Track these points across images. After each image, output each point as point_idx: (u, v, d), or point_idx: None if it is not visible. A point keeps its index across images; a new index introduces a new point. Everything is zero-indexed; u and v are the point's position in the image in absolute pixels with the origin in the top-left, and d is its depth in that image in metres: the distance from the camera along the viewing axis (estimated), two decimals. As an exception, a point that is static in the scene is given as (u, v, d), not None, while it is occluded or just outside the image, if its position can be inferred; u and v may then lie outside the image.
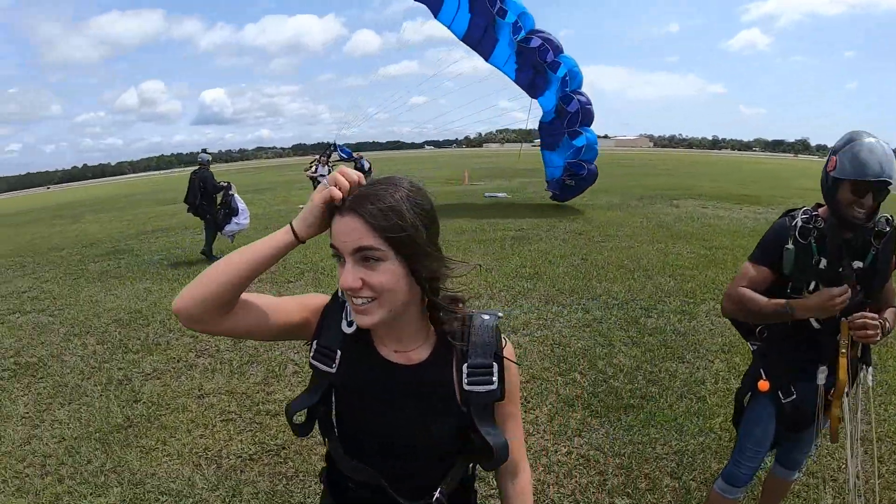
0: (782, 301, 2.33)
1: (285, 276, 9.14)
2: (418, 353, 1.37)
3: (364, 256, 1.19)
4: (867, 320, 2.22)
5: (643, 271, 8.77)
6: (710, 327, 6.22)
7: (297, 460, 3.96)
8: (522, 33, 14.41)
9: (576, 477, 3.70)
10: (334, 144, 16.68)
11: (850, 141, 2.21)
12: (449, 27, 15.07)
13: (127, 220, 20.28)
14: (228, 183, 11.73)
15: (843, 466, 3.65)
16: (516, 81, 15.48)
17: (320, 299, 1.42)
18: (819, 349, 2.40)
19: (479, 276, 8.53)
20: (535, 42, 14.31)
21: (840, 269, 2.26)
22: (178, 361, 5.79)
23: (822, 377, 2.43)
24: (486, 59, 15.31)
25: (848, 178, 2.17)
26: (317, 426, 1.44)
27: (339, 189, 1.19)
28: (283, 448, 4.12)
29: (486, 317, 1.41)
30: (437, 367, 1.36)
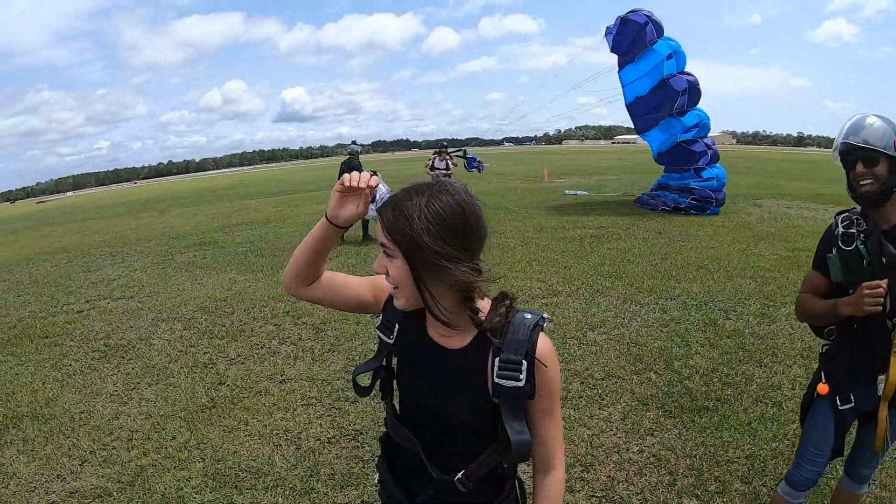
0: (830, 301, 2.32)
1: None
2: (459, 340, 1.48)
3: (385, 251, 1.41)
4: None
5: (723, 272, 8.55)
6: (790, 331, 6.03)
7: (374, 445, 4.04)
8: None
9: (646, 475, 3.68)
10: (464, 151, 17.12)
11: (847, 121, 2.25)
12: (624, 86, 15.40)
13: (212, 214, 21.01)
14: (375, 172, 12.48)
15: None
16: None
17: (385, 288, 1.58)
18: (877, 356, 2.33)
19: (558, 274, 8.53)
20: (681, 85, 14.09)
21: (882, 260, 2.20)
22: (262, 348, 6.01)
23: (881, 387, 2.35)
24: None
25: (836, 150, 2.25)
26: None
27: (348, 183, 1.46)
28: (361, 434, 4.23)
29: (528, 315, 1.45)
30: (473, 356, 1.46)
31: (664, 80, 14.10)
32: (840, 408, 2.43)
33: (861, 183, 2.22)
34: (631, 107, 15.70)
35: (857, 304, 2.16)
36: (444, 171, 14.44)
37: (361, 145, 13.90)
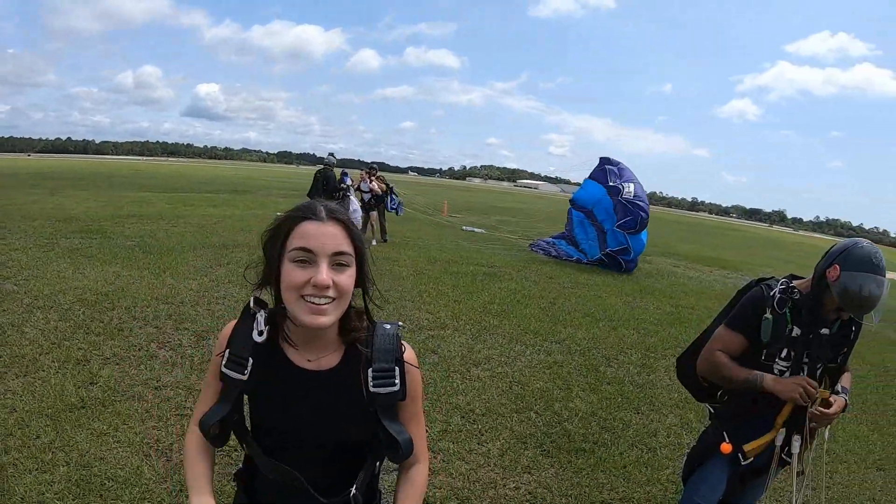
0: (754, 372, 2.46)
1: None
2: (329, 359, 1.51)
3: (338, 261, 1.38)
4: (823, 416, 2.42)
5: (608, 321, 8.90)
6: (668, 382, 6.33)
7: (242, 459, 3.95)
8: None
9: (520, 512, 3.76)
10: (391, 188, 16.39)
11: (858, 262, 2.31)
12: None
13: (104, 200, 20.01)
14: (348, 186, 13.64)
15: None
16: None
17: (225, 330, 1.55)
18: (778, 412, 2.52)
19: (447, 307, 8.60)
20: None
21: (811, 336, 2.40)
22: (140, 350, 5.76)
23: (780, 438, 2.55)
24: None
25: (844, 305, 2.32)
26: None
27: None
28: (235, 450, 4.09)
29: (388, 326, 1.54)
30: (346, 372, 1.50)
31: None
32: (743, 463, 2.60)
33: (834, 316, 2.46)
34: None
35: (787, 389, 2.36)
36: (366, 195, 14.46)
37: (335, 157, 14.37)
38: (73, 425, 4.21)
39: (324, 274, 1.35)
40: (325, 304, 1.38)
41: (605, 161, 15.46)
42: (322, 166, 13.54)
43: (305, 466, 1.49)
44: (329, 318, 1.39)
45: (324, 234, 1.37)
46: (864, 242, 2.38)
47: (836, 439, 5.36)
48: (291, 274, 1.37)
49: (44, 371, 5.05)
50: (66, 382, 4.86)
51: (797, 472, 2.64)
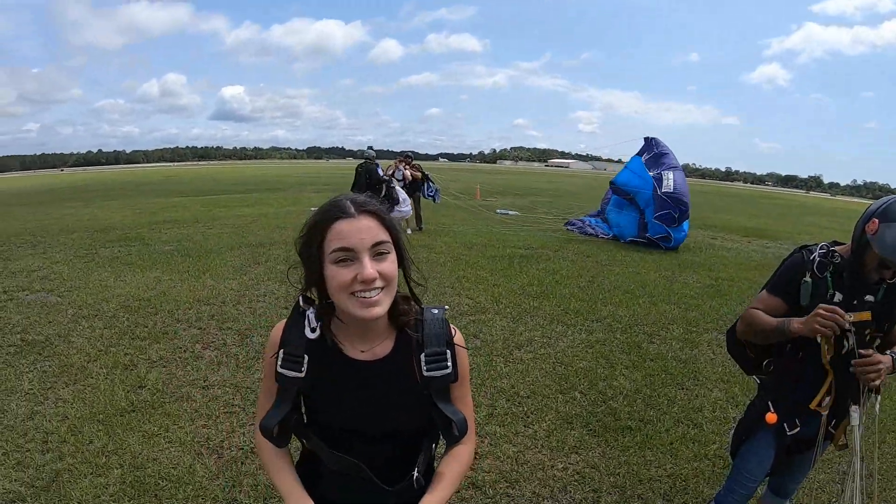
0: (780, 319, 2.40)
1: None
2: (382, 348, 1.52)
3: (378, 251, 1.39)
4: (870, 365, 2.27)
5: (648, 297, 8.80)
6: (711, 357, 6.26)
7: (298, 457, 3.99)
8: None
9: (570, 492, 3.74)
10: (428, 176, 16.15)
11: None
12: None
13: (139, 208, 20.39)
14: (390, 177, 13.67)
15: (834, 501, 3.70)
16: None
17: (276, 330, 1.56)
18: (840, 385, 2.44)
19: (486, 292, 8.59)
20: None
21: (854, 302, 2.33)
22: (185, 351, 5.85)
23: (854, 417, 2.47)
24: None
25: (884, 254, 2.22)
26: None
27: None
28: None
29: (436, 311, 1.57)
30: (399, 358, 1.53)
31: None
32: (789, 433, 2.55)
33: (879, 275, 2.34)
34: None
35: (808, 323, 2.24)
36: (399, 182, 14.32)
37: (374, 150, 14.29)
38: (124, 429, 4.30)
39: (369, 268, 1.36)
40: (376, 294, 1.39)
41: (648, 143, 15.12)
42: (363, 160, 13.42)
43: (367, 456, 1.51)
44: (382, 307, 1.41)
45: (359, 230, 1.37)
46: None
47: (883, 409, 5.24)
48: (337, 275, 1.37)
49: (93, 378, 5.16)
50: (116, 387, 4.96)
51: (841, 445, 2.58)
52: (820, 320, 2.19)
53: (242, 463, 3.91)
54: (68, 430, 4.25)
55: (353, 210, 1.39)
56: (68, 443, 4.09)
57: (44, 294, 7.91)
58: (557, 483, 3.84)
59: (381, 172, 13.56)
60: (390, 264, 1.41)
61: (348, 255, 1.37)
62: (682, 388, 5.41)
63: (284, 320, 1.54)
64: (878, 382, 2.30)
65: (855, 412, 2.43)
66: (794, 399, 2.54)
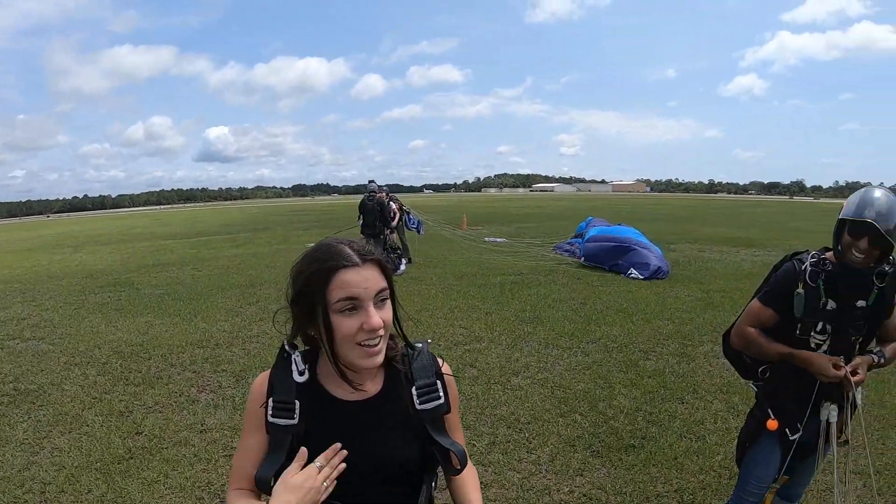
0: (785, 351, 2.45)
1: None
2: (372, 386, 1.50)
3: (380, 298, 1.39)
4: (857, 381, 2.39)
5: (642, 315, 8.82)
6: (709, 369, 6.26)
7: None
8: None
9: (577, 516, 3.72)
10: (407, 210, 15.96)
11: (863, 189, 2.36)
12: None
13: (127, 253, 20.29)
14: (401, 205, 14.53)
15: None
16: None
17: (260, 380, 1.50)
18: (824, 386, 2.47)
19: (480, 320, 8.57)
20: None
21: (846, 310, 2.37)
22: (180, 396, 5.79)
23: (826, 413, 2.52)
24: None
25: (847, 216, 2.30)
26: None
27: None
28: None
29: (420, 344, 1.58)
30: (391, 394, 1.51)
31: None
32: (791, 438, 2.57)
33: (857, 255, 2.33)
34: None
35: (824, 371, 2.35)
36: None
37: (379, 185, 13.93)
38: (123, 476, 4.24)
39: (375, 317, 1.35)
40: (378, 343, 1.38)
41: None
42: (368, 193, 13.29)
43: (367, 495, 1.46)
44: (382, 354, 1.41)
45: (365, 280, 1.36)
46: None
47: (884, 404, 5.27)
48: (344, 325, 1.35)
49: (88, 426, 5.10)
50: (112, 435, 4.91)
51: (843, 442, 2.62)
52: (832, 376, 2.36)
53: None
54: (66, 480, 4.19)
55: (357, 259, 1.37)
56: (66, 492, 4.03)
57: (35, 342, 7.85)
58: (564, 506, 3.81)
59: (393, 206, 13.57)
60: (389, 311, 1.41)
61: (354, 304, 1.35)
62: (683, 403, 5.40)
63: (265, 372, 1.50)
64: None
65: (831, 410, 2.53)
66: (794, 403, 2.55)
